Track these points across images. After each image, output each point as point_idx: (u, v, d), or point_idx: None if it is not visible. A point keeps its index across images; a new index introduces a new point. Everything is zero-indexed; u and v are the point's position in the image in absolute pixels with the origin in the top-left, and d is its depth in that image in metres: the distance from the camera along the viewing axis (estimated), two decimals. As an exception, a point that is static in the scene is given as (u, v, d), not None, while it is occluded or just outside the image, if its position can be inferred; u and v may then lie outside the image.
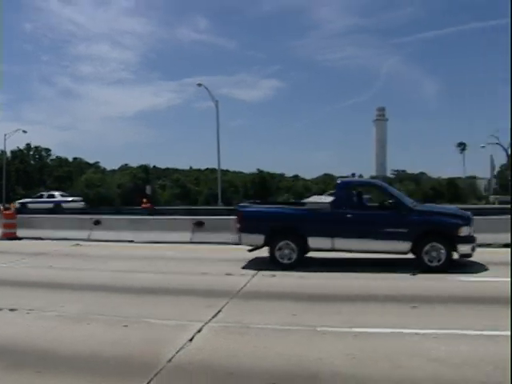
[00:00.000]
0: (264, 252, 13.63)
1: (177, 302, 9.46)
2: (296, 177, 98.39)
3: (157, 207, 45.56)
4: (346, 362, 6.15)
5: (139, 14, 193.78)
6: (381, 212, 13.71)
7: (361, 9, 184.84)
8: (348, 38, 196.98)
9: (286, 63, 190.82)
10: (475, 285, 11.15)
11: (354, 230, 13.30)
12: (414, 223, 12.94)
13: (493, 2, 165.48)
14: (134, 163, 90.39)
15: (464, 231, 12.81)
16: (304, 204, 14.56)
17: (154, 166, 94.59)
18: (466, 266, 13.34)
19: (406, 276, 12.08)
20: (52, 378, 5.79)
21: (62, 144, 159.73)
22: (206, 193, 74.19)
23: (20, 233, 21.45)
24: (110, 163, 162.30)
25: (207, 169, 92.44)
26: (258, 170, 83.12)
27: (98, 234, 20.41)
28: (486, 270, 12.79)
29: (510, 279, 10.06)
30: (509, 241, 17.29)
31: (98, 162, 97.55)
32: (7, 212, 23.89)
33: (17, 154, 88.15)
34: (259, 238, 13.58)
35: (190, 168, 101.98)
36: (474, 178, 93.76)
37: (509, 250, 14.42)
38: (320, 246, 13.48)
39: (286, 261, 13.26)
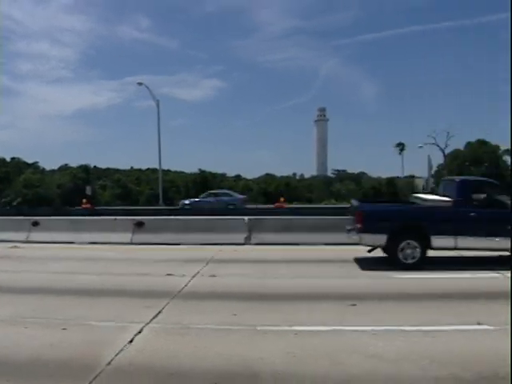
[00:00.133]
0: (197, 251, 13.62)
1: (117, 304, 9.33)
2: (238, 176, 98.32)
3: (97, 208, 44.92)
4: (287, 360, 6.21)
5: (78, 11, 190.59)
6: (504, 210, 13.49)
7: (301, 11, 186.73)
8: (288, 39, 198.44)
9: (228, 64, 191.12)
10: (412, 282, 11.40)
11: (478, 229, 13.21)
12: None
13: (432, 5, 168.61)
14: (74, 163, 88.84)
15: None
16: (413, 203, 14.72)
17: (95, 166, 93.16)
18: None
19: (346, 274, 12.28)
20: (-14, 383, 5.66)
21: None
22: (147, 193, 73.36)
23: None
24: (50, 163, 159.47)
25: (148, 169, 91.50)
26: (200, 169, 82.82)
27: (36, 235, 19.94)
28: (425, 266, 13.08)
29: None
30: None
31: (37, 162, 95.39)
32: None
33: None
34: (382, 238, 13.32)
35: (131, 168, 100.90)
36: (413, 177, 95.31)
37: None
38: (443, 245, 13.38)
39: (409, 260, 13.15)
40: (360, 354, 6.42)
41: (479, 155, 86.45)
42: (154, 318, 8.19)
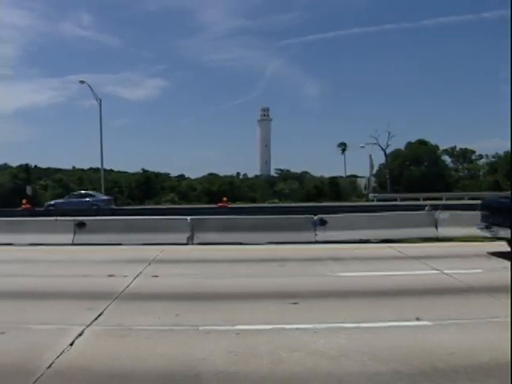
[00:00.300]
0: (140, 251, 13.53)
1: (57, 306, 9.15)
2: (181, 176, 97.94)
3: (38, 208, 44.14)
4: (229, 359, 6.22)
5: (18, 6, 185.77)
6: None
7: (246, 11, 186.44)
8: (233, 39, 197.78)
9: (172, 63, 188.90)
10: (354, 279, 11.57)
11: None
12: None
13: (375, 8, 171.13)
14: (14, 162, 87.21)
15: None
16: None
17: (36, 166, 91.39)
18: (345, 261, 13.87)
19: (287, 273, 12.40)
20: None
21: None
22: (89, 193, 72.50)
23: None
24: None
25: (91, 168, 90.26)
26: (143, 169, 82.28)
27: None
28: (366, 265, 13.33)
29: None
30: (386, 237, 18.16)
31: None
32: None
33: None
34: None
35: (73, 168, 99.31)
36: (355, 176, 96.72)
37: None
38: None
39: None
40: (302, 351, 6.49)
41: (419, 155, 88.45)
42: (95, 319, 8.08)
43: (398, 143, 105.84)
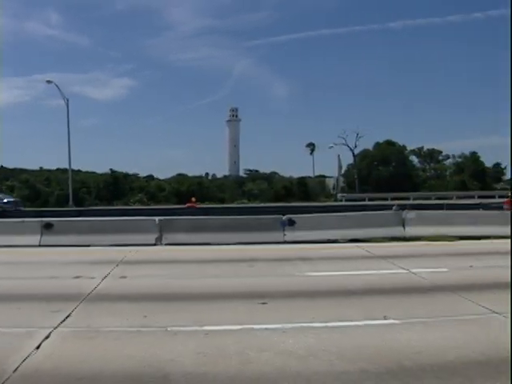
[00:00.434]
0: (108, 253, 13.44)
1: (23, 309, 9.02)
2: (150, 177, 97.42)
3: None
4: (197, 360, 6.20)
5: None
6: None
7: (214, 11, 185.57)
8: (201, 39, 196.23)
9: (140, 62, 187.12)
10: (322, 279, 11.64)
11: None
12: None
13: (343, 10, 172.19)
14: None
15: None
16: None
17: (2, 166, 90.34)
18: (314, 261, 13.95)
19: (256, 273, 12.43)
20: None
21: None
22: (56, 194, 71.72)
23: None
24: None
25: (58, 169, 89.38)
26: (111, 169, 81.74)
27: None
28: (334, 264, 13.42)
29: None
30: (354, 236, 18.31)
31: None
32: None
33: None
34: None
35: (41, 168, 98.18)
36: (323, 177, 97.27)
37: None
38: None
39: None
40: (270, 351, 6.50)
41: (387, 155, 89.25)
42: (62, 322, 7.98)
43: (367, 144, 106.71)
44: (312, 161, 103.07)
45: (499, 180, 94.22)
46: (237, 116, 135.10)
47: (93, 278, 11.70)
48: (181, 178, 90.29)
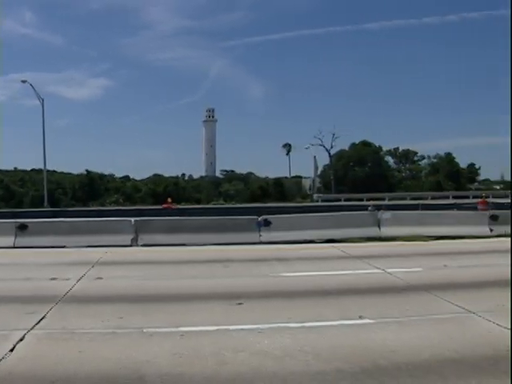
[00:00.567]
0: (83, 254, 13.34)
1: (-3, 311, 9.00)
2: (126, 177, 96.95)
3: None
4: (173, 361, 6.19)
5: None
6: None
7: (191, 11, 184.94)
8: (179, 38, 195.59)
9: (117, 61, 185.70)
10: (298, 279, 11.69)
11: None
12: None
13: (320, 10, 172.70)
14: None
15: None
16: None
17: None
18: (290, 261, 13.99)
19: (231, 274, 12.43)
20: None
21: None
22: (31, 194, 71.07)
23: None
24: None
25: (33, 169, 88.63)
26: (87, 170, 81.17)
27: None
28: (310, 265, 13.47)
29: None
30: (330, 237, 18.38)
31: None
32: None
33: None
34: None
35: (15, 168, 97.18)
36: (300, 177, 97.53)
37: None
38: None
39: None
40: (246, 352, 6.51)
41: (363, 156, 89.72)
42: (37, 324, 7.90)
43: (343, 144, 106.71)
44: (288, 161, 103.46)
45: (473, 181, 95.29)
46: (213, 116, 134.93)
47: (68, 279, 11.61)
48: (157, 178, 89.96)
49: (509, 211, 22.59)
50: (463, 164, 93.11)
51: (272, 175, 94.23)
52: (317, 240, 18.68)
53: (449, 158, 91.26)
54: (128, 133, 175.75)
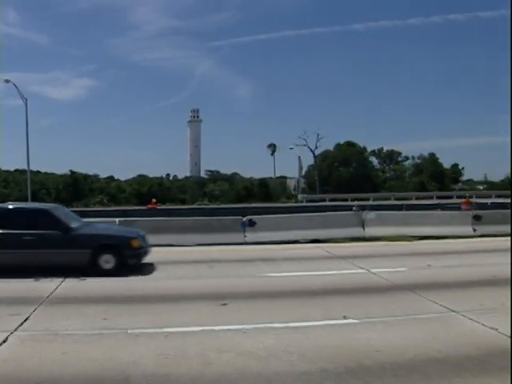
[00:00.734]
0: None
1: (-20, 312, 8.91)
2: (111, 178, 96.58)
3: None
4: (159, 362, 6.19)
5: None
6: None
7: (178, 11, 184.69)
8: (166, 39, 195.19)
9: (103, 61, 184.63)
10: (283, 280, 11.71)
11: None
12: None
13: (308, 11, 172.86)
14: None
15: None
16: None
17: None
18: (275, 262, 13.99)
19: (216, 274, 12.43)
20: None
21: None
22: (15, 195, 70.53)
23: None
24: None
25: (17, 170, 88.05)
26: (71, 171, 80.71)
27: None
28: (296, 265, 13.49)
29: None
30: (315, 237, 18.40)
31: None
32: None
33: None
34: None
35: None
36: (285, 178, 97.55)
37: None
38: None
39: None
40: (231, 352, 6.52)
41: (348, 156, 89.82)
42: (20, 325, 7.85)
43: (327, 145, 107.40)
44: (273, 162, 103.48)
45: (457, 181, 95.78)
46: (198, 117, 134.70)
47: (52, 280, 11.54)
48: (141, 179, 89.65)
49: (492, 211, 22.78)
50: (447, 164, 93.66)
51: (257, 175, 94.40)
52: (302, 240, 18.71)
53: (433, 159, 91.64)
54: (113, 133, 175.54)
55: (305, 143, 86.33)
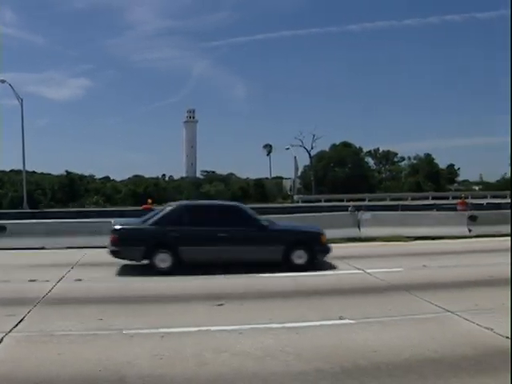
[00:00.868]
0: (63, 255, 13.24)
1: (-25, 313, 8.87)
2: (106, 178, 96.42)
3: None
4: (154, 362, 6.18)
5: None
6: None
7: (175, 11, 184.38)
8: (163, 39, 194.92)
9: (100, 62, 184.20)
10: (279, 280, 11.69)
11: None
12: None
13: (305, 11, 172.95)
14: None
15: None
16: None
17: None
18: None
19: (214, 275, 12.39)
20: None
21: None
22: (11, 195, 70.37)
23: None
24: None
25: (12, 170, 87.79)
26: (67, 171, 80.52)
27: None
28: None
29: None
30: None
31: None
32: None
33: None
34: None
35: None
36: (281, 178, 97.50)
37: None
38: None
39: None
40: (227, 352, 6.51)
41: (343, 157, 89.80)
42: (15, 326, 7.82)
43: (323, 145, 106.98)
44: (269, 162, 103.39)
45: (453, 181, 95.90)
46: (194, 117, 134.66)
47: (47, 281, 11.51)
48: (137, 179, 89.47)
49: (487, 212, 22.79)
50: (443, 165, 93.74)
51: (253, 176, 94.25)
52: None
53: (428, 159, 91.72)
54: (109, 133, 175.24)
55: (301, 144, 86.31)
